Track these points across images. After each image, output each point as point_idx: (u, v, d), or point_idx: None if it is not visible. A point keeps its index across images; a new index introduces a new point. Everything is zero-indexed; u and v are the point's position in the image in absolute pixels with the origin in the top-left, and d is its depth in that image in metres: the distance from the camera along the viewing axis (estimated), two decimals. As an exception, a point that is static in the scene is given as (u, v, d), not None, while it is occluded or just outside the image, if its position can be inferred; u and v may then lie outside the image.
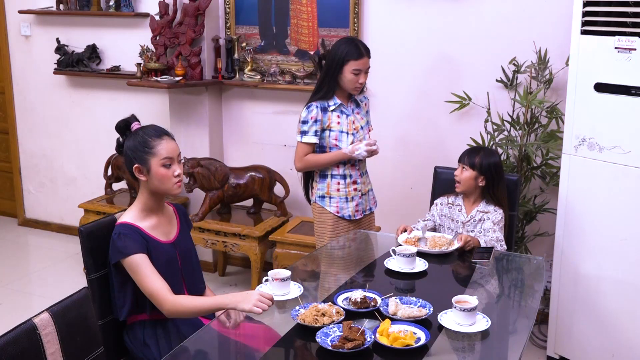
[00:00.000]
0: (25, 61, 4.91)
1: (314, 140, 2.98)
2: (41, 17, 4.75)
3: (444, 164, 3.25)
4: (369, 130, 3.13)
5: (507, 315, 2.28)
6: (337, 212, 3.05)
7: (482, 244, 2.74)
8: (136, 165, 2.24)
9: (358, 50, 2.92)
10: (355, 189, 3.05)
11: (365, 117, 3.11)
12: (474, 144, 3.50)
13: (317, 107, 2.97)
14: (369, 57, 2.97)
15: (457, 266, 2.63)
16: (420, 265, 2.50)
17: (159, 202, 2.34)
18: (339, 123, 2.99)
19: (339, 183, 3.03)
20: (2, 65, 5.02)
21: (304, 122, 2.98)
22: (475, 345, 2.04)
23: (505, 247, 2.79)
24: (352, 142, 2.99)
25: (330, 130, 2.99)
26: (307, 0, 3.94)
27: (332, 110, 2.98)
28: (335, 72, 2.95)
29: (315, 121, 2.96)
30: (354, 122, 3.02)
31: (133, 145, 2.25)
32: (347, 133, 2.99)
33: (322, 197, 3.06)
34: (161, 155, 2.24)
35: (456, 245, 2.66)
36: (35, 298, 4.10)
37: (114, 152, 4.06)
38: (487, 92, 3.59)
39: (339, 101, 2.99)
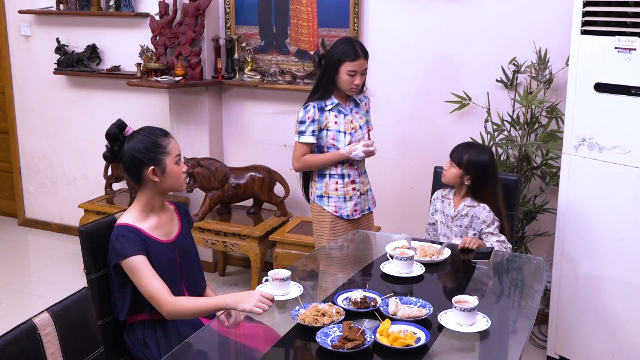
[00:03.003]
0: (25, 61, 4.91)
1: (312, 140, 2.98)
2: (41, 17, 4.75)
3: (444, 164, 3.25)
4: (369, 130, 3.12)
5: (507, 315, 2.28)
6: (336, 212, 3.04)
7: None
8: (152, 167, 2.24)
9: (354, 51, 2.91)
10: (353, 189, 3.05)
11: (365, 117, 3.10)
12: (474, 144, 3.51)
13: (314, 107, 2.97)
14: (366, 59, 2.95)
15: (457, 266, 2.63)
16: (418, 269, 2.49)
17: (162, 202, 2.34)
18: (336, 123, 2.99)
19: (337, 183, 3.03)
20: (2, 65, 5.02)
21: (301, 122, 2.98)
22: (475, 345, 2.04)
23: (509, 245, 2.79)
24: (350, 142, 2.99)
25: (327, 130, 2.99)
26: (307, 0, 3.94)
27: (330, 110, 2.98)
28: (331, 72, 2.94)
29: (313, 121, 2.96)
30: (352, 122, 3.01)
31: (143, 147, 2.24)
32: (345, 133, 2.99)
33: (321, 196, 3.06)
34: (173, 154, 2.27)
35: (446, 254, 2.64)
36: (35, 298, 4.10)
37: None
38: (487, 92, 3.59)
39: (336, 101, 2.99)
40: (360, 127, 3.05)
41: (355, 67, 2.90)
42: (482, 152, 2.85)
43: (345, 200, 3.04)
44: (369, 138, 3.10)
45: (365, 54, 2.95)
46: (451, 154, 2.87)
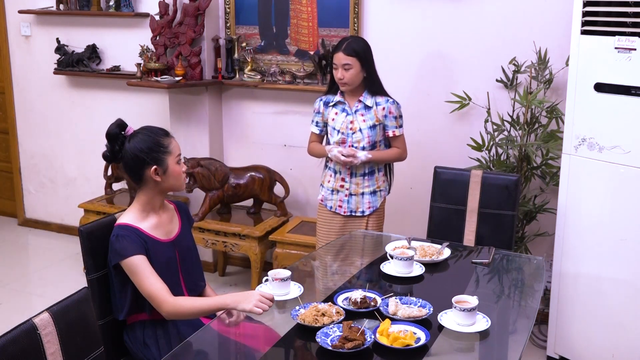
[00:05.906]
0: (25, 61, 4.91)
1: (315, 130, 3.20)
2: (41, 17, 4.75)
3: (444, 164, 3.25)
4: (388, 135, 3.09)
5: (507, 315, 2.28)
6: (322, 200, 3.22)
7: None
8: (154, 167, 2.24)
9: (338, 44, 3.02)
10: (342, 186, 3.14)
11: (372, 121, 3.06)
12: (474, 144, 3.50)
13: (320, 100, 3.16)
14: (347, 54, 2.96)
15: (457, 266, 2.63)
16: (418, 269, 2.49)
17: (162, 201, 2.34)
18: (333, 119, 3.11)
19: (330, 175, 3.18)
20: (2, 65, 5.02)
21: (314, 112, 3.20)
22: (475, 345, 2.04)
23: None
24: (344, 141, 3.07)
25: (328, 124, 3.14)
26: (307, 0, 3.94)
27: (332, 106, 3.12)
28: (331, 66, 3.08)
29: (317, 113, 3.17)
30: (352, 122, 3.05)
31: (146, 147, 2.24)
32: (338, 131, 3.09)
33: (322, 184, 3.24)
34: (175, 153, 2.29)
35: (446, 254, 2.64)
36: (35, 298, 4.10)
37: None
38: (487, 92, 3.59)
39: (341, 99, 3.09)
40: (361, 129, 3.05)
41: (335, 60, 3.01)
42: None
43: (332, 193, 3.17)
44: (381, 144, 3.11)
45: (346, 49, 2.97)
46: None
